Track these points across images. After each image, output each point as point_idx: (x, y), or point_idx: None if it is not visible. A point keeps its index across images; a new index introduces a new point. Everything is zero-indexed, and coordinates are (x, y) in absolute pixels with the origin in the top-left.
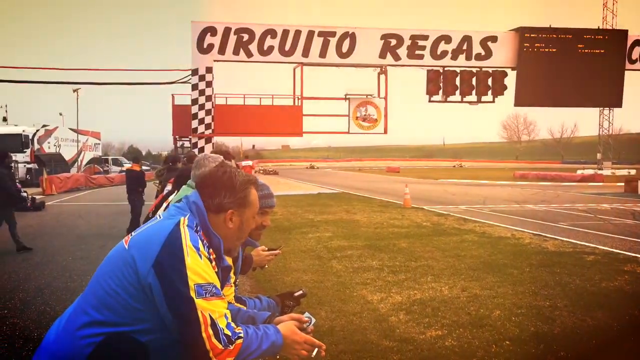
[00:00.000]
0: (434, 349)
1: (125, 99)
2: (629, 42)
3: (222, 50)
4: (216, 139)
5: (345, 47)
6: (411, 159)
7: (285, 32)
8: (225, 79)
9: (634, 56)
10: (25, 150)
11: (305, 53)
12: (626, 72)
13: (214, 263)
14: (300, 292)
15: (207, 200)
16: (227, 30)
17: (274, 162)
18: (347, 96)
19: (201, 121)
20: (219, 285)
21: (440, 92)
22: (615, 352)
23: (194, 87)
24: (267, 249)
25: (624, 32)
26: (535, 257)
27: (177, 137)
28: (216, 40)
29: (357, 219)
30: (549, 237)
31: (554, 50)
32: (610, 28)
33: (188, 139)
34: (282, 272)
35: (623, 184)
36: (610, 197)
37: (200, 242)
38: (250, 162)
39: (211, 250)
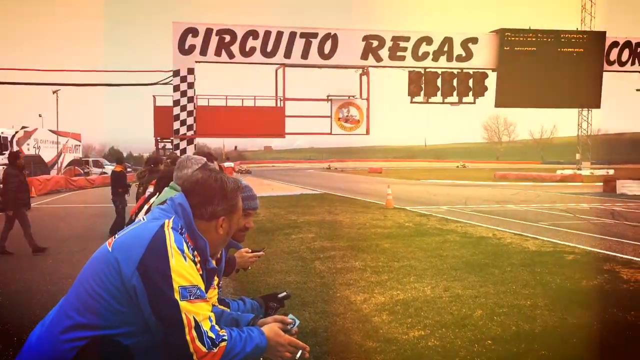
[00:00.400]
0: (417, 349)
1: (106, 100)
2: (607, 44)
3: (203, 52)
4: (198, 141)
5: (327, 48)
6: (393, 159)
7: (267, 34)
8: (207, 80)
9: (612, 57)
10: (4, 152)
11: (287, 54)
12: (604, 73)
13: (198, 265)
14: (284, 293)
15: (198, 207)
16: (208, 31)
17: (257, 164)
18: (330, 97)
19: (183, 122)
20: (203, 288)
21: (422, 93)
22: (596, 350)
23: (176, 88)
24: (250, 250)
25: (602, 34)
26: (516, 256)
27: (158, 138)
28: (198, 41)
29: (339, 220)
30: (529, 237)
31: (534, 51)
32: (589, 30)
33: (170, 140)
34: (265, 274)
35: (602, 183)
36: (590, 197)
37: (185, 244)
38: (231, 164)
39: (196, 252)
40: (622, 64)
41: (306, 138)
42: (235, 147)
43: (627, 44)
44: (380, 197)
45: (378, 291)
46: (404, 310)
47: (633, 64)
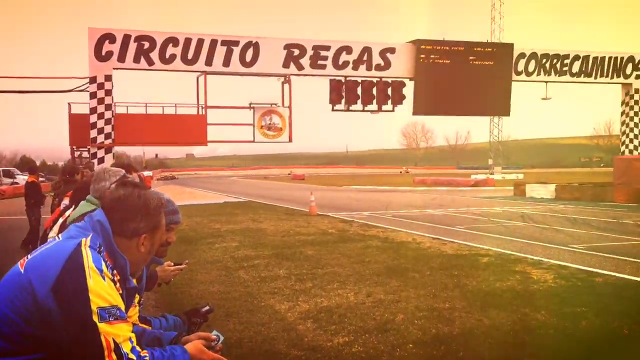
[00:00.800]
0: (342, 356)
1: (16, 108)
2: (515, 55)
3: (121, 58)
4: (117, 149)
5: (248, 56)
6: (316, 166)
7: (188, 41)
8: (127, 87)
9: (520, 68)
10: None
11: (209, 62)
12: (513, 83)
13: (118, 285)
14: (207, 307)
15: (119, 225)
16: (126, 38)
17: (179, 172)
18: (252, 105)
19: (100, 130)
20: (123, 308)
21: (343, 101)
22: (511, 349)
23: (92, 95)
24: (172, 263)
25: (510, 45)
26: (435, 260)
27: (74, 147)
28: (115, 48)
29: (263, 228)
30: (447, 241)
31: (447, 61)
32: (498, 42)
33: (87, 149)
34: (188, 285)
35: (512, 187)
36: (502, 200)
37: (103, 263)
38: (150, 173)
39: (115, 271)
40: (529, 74)
41: (229, 145)
42: (156, 155)
43: (533, 55)
44: (304, 204)
45: (302, 299)
46: (328, 317)
47: (539, 74)
